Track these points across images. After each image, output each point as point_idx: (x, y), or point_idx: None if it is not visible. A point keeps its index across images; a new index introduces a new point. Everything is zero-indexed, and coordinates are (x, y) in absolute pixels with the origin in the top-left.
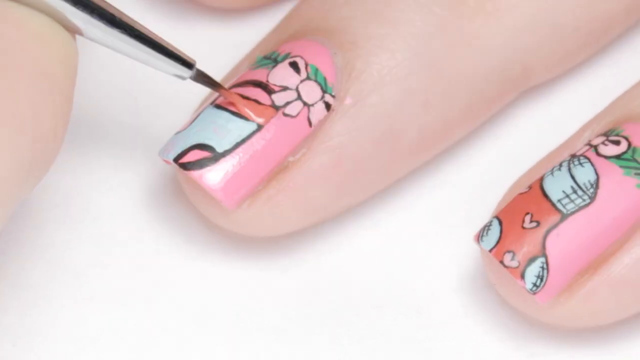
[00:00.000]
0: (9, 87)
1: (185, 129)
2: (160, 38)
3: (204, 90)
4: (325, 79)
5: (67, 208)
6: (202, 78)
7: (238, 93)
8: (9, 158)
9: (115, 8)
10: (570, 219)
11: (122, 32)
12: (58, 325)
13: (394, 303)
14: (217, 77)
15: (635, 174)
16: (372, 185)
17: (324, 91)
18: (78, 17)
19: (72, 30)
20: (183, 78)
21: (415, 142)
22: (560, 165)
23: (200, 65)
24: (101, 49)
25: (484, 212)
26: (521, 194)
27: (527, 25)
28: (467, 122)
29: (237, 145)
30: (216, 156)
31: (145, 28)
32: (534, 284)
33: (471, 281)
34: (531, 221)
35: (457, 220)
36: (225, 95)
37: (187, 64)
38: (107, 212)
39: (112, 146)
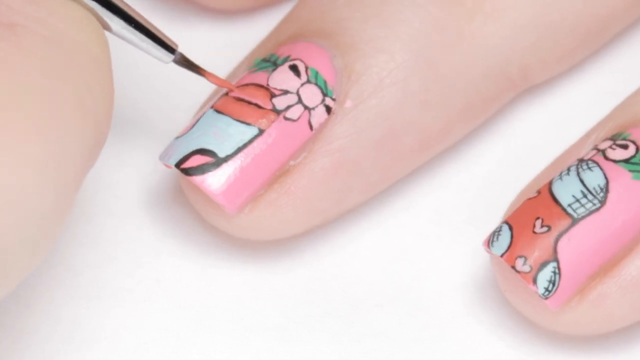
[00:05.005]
0: (68, 76)
1: (185, 133)
2: (146, 20)
3: (205, 90)
4: (325, 82)
5: None
6: (185, 62)
7: (238, 97)
8: (76, 145)
9: None
10: (581, 223)
11: (109, 11)
12: (57, 325)
13: (395, 302)
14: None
15: None
16: (374, 186)
17: (325, 94)
18: None
19: None
20: (165, 62)
21: (416, 143)
22: (569, 169)
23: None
24: None
25: (487, 212)
26: (530, 199)
27: (525, 25)
28: (467, 122)
29: (239, 150)
30: (218, 161)
31: (134, 10)
32: (546, 289)
33: (473, 280)
34: (542, 226)
35: (459, 220)
36: (210, 79)
37: (170, 48)
38: (107, 211)
39: (112, 145)
